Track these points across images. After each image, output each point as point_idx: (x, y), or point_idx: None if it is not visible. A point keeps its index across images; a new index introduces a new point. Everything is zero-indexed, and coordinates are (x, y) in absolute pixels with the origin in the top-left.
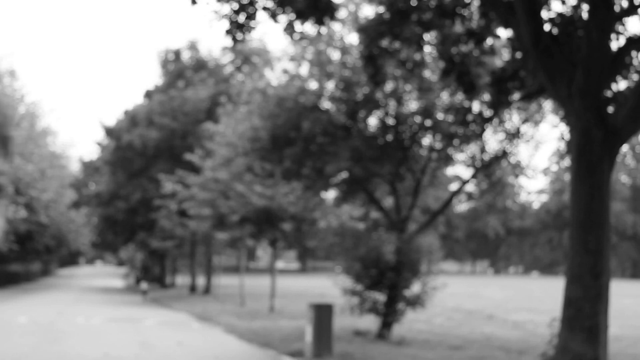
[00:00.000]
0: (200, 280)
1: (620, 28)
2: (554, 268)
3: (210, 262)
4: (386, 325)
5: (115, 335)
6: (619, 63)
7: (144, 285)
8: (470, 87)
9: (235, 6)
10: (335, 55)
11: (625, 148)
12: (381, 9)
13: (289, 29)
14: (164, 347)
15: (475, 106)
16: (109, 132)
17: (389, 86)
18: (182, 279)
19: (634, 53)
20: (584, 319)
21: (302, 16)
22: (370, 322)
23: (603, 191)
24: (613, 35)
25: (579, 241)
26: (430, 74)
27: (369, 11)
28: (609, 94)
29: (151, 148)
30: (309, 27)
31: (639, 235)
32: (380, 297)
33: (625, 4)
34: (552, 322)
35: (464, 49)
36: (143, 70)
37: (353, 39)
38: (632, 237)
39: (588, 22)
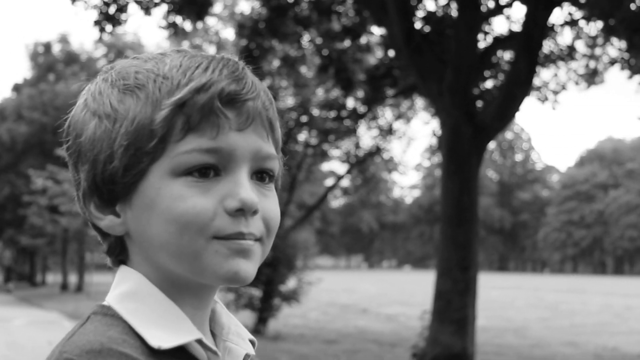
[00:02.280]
0: (72, 278)
1: (487, 28)
2: (426, 262)
3: (83, 260)
4: (262, 320)
5: None
6: (486, 62)
7: (10, 285)
8: (347, 84)
9: None
10: (210, 49)
11: (492, 145)
12: (257, 5)
13: (167, 24)
14: (34, 347)
15: (350, 102)
16: None
17: (265, 82)
18: (53, 277)
19: (499, 52)
20: (453, 311)
21: (177, 10)
22: (246, 318)
23: (472, 186)
24: (481, 35)
25: (449, 235)
26: (306, 70)
27: (245, 6)
28: (477, 91)
29: (20, 143)
30: (182, 21)
31: (505, 229)
32: (256, 292)
33: (491, 5)
34: (423, 315)
35: (340, 46)
36: (11, 63)
37: (229, 33)
38: (499, 231)
39: (457, 21)
